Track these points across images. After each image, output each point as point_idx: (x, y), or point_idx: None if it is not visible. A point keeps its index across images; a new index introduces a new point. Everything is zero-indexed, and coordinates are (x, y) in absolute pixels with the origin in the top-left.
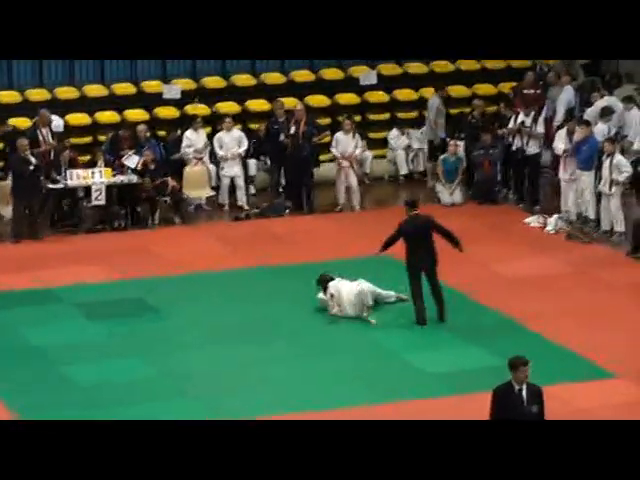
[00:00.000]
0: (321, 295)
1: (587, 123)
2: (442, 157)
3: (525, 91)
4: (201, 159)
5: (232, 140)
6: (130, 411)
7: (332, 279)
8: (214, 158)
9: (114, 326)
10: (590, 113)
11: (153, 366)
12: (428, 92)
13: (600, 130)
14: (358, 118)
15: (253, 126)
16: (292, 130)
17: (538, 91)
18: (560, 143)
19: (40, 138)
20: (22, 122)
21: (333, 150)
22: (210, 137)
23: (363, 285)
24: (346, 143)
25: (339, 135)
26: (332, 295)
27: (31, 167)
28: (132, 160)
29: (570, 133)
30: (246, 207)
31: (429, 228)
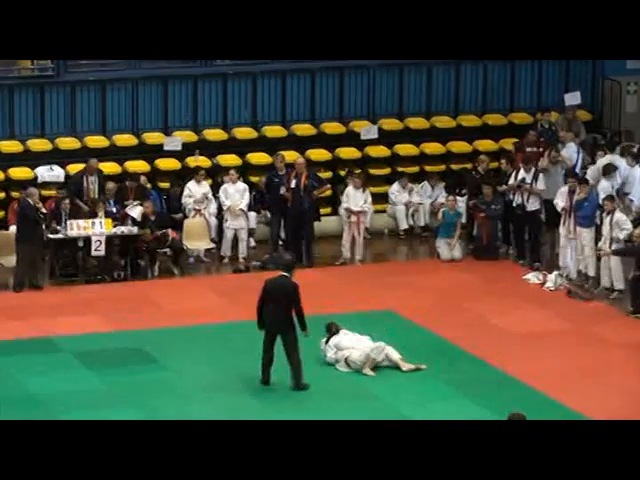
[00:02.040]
0: (324, 343)
1: (587, 182)
2: (442, 210)
3: (528, 149)
4: (199, 211)
5: (237, 192)
6: None
7: (337, 330)
8: (219, 211)
9: (112, 376)
10: (593, 170)
11: (151, 416)
12: (429, 147)
13: (603, 187)
14: (358, 172)
15: (254, 179)
16: (293, 183)
17: (540, 149)
18: (560, 200)
19: (85, 186)
20: (23, 172)
21: (344, 204)
22: (212, 189)
23: (379, 343)
24: (356, 198)
25: (349, 190)
26: (338, 346)
27: (41, 215)
28: (136, 211)
29: (571, 191)
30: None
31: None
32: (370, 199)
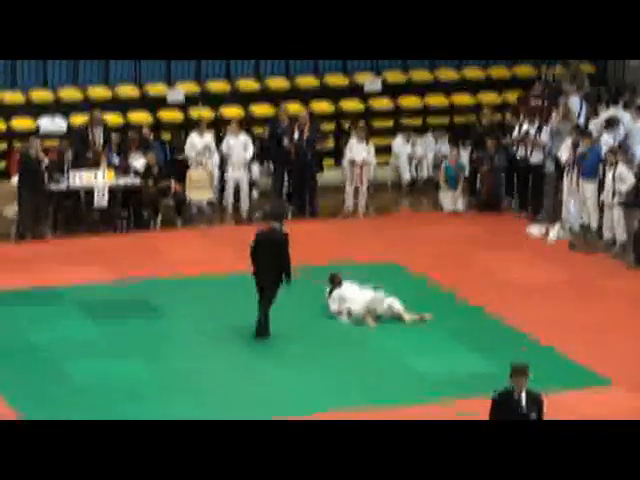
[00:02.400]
0: (327, 294)
1: (589, 135)
2: (444, 164)
3: (532, 102)
4: (201, 162)
5: (239, 144)
6: (129, 410)
7: (341, 282)
8: (221, 163)
9: (115, 326)
10: (595, 123)
11: (153, 366)
12: (433, 100)
13: (605, 141)
14: (362, 124)
15: (257, 131)
16: (296, 136)
17: (544, 102)
18: (564, 153)
19: (90, 138)
20: (26, 123)
21: (347, 156)
22: (214, 140)
23: (379, 293)
24: (359, 150)
25: (353, 142)
26: (340, 297)
27: (43, 167)
28: (139, 162)
29: (574, 144)
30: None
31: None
32: (373, 151)
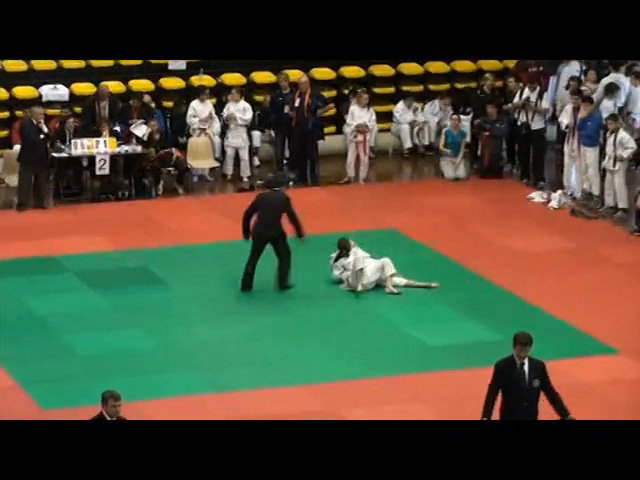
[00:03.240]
0: (333, 260)
1: (590, 100)
2: (445, 130)
3: (529, 69)
4: (204, 130)
5: (239, 111)
6: (130, 382)
7: (348, 251)
8: (222, 130)
9: (116, 296)
10: (597, 90)
11: (155, 337)
12: (434, 66)
13: (606, 106)
14: (363, 90)
15: (258, 98)
16: (297, 102)
17: (542, 68)
18: (565, 119)
19: (97, 111)
20: (28, 91)
21: (348, 123)
22: (215, 108)
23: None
24: (361, 116)
25: (354, 108)
26: (343, 267)
27: (42, 136)
28: (140, 129)
29: (575, 109)
30: (248, 178)
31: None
32: (374, 117)
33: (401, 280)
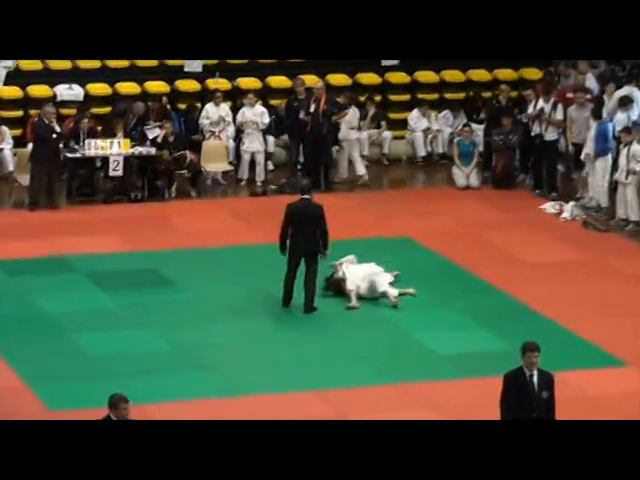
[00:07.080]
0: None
1: (599, 117)
2: (457, 140)
3: (547, 79)
4: (214, 133)
5: (256, 115)
6: (140, 383)
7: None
8: (236, 134)
9: (127, 297)
10: (609, 102)
11: (165, 338)
12: (449, 74)
13: (619, 119)
14: (379, 98)
15: (274, 102)
16: (312, 108)
17: (558, 78)
18: (589, 148)
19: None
20: (43, 90)
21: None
22: (231, 112)
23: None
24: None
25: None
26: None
27: (54, 135)
28: (153, 132)
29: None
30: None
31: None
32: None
33: (394, 291)
